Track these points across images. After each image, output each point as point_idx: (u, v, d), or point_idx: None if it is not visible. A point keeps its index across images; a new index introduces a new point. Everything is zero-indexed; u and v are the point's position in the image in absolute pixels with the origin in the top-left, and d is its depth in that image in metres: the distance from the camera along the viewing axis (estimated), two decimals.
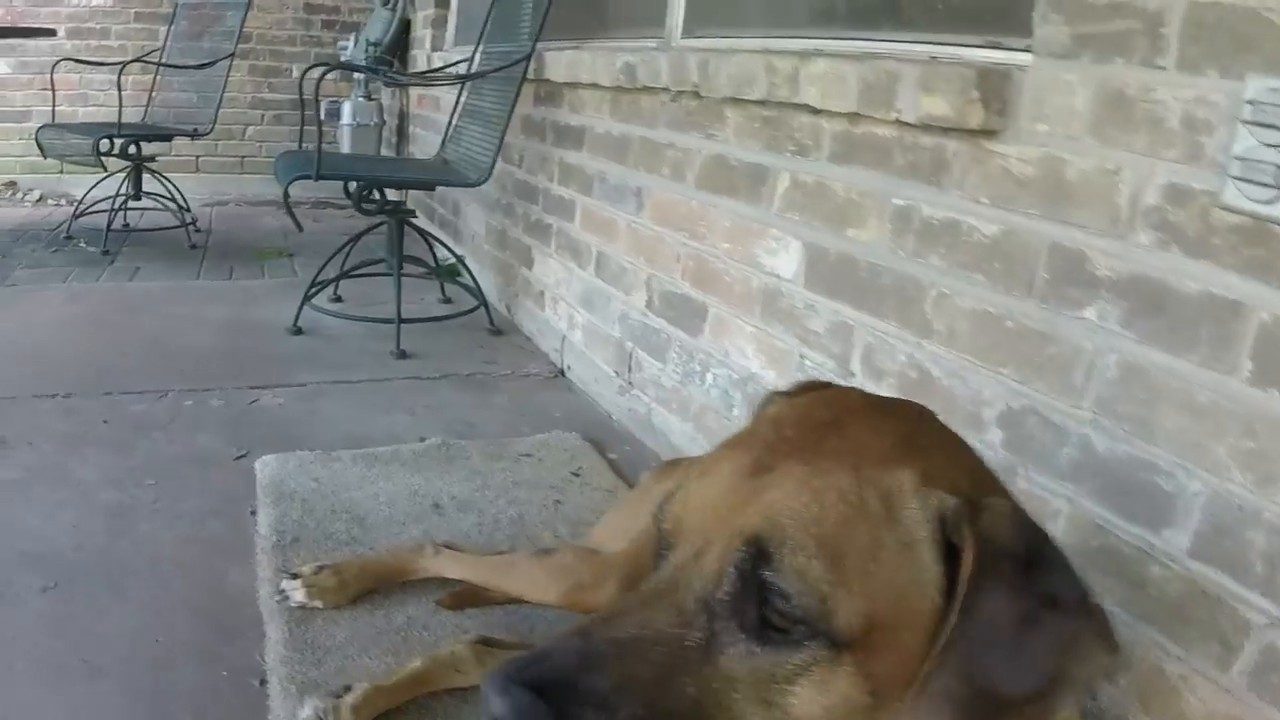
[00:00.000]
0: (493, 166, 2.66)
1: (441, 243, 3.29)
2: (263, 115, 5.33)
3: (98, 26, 5.22)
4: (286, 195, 2.78)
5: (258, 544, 1.77)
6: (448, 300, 3.39)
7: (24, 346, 2.84)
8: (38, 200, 5.03)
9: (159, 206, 4.05)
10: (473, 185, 2.83)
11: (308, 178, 2.78)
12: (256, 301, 3.27)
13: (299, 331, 2.85)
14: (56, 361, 2.71)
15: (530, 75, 2.64)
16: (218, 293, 3.40)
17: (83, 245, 3.89)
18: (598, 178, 2.41)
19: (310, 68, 2.94)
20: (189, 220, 4.01)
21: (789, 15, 2.03)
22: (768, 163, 1.70)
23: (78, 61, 4.50)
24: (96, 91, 5.23)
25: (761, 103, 1.66)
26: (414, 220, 3.08)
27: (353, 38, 5.27)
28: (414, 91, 4.84)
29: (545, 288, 2.79)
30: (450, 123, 3.21)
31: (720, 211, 1.86)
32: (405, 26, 5.09)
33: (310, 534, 1.80)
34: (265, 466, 1.97)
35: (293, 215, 2.82)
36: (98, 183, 3.97)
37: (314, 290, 2.93)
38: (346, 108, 5.03)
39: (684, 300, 2.01)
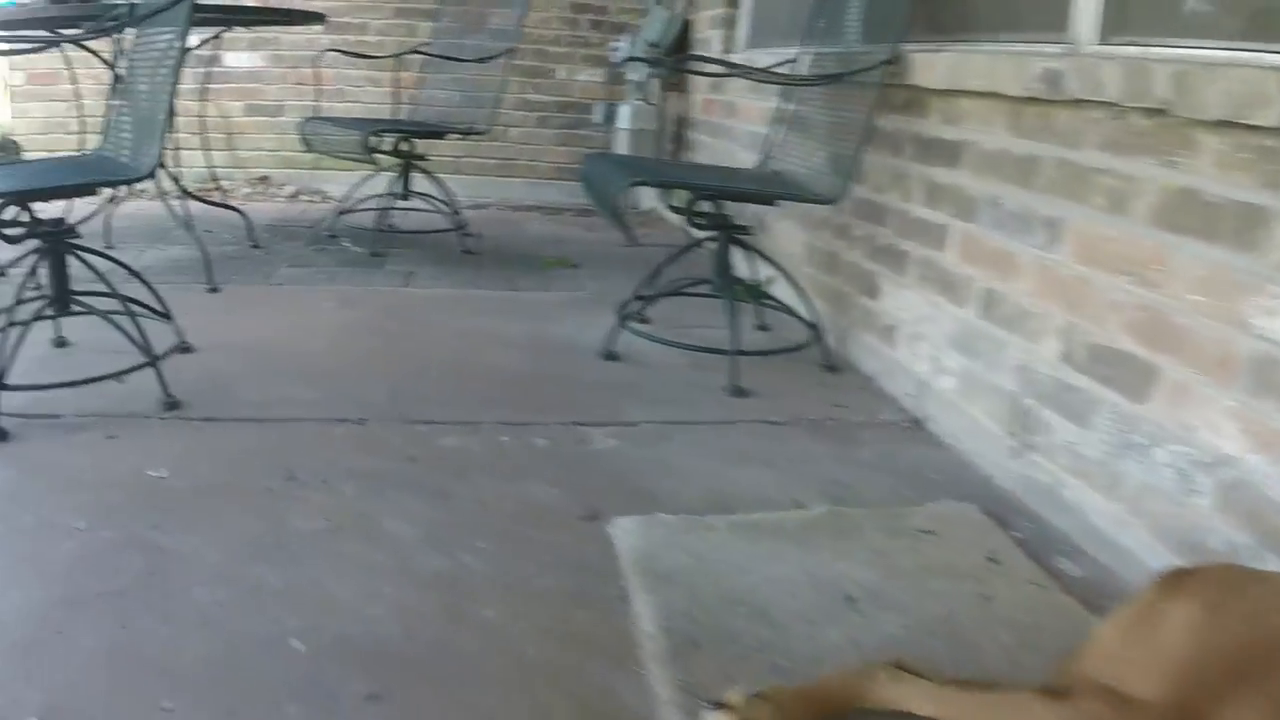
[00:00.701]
0: (849, 182, 2.58)
1: (772, 262, 2.96)
2: (526, 117, 5.32)
3: (355, 21, 5.36)
4: (614, 204, 2.54)
5: (644, 646, 1.46)
6: (764, 328, 3.12)
7: (303, 356, 2.84)
8: (292, 195, 5.21)
9: (427, 208, 3.95)
10: (824, 202, 2.63)
11: (644, 184, 2.59)
12: (551, 317, 3.19)
13: (613, 357, 2.74)
14: (342, 377, 2.66)
15: (884, 80, 2.56)
16: (505, 305, 3.35)
17: (347, 245, 3.92)
18: (986, 202, 2.24)
19: (629, 60, 2.66)
20: (461, 223, 3.99)
21: None
22: (1268, 204, 1.50)
23: (345, 54, 4.60)
24: (353, 88, 5.37)
25: (1268, 130, 1.47)
26: (747, 237, 2.84)
27: (625, 38, 5.24)
28: (697, 96, 4.93)
29: (896, 322, 2.64)
30: (773, 131, 3.15)
31: (1187, 257, 1.68)
32: (684, 27, 4.98)
33: (708, 634, 1.48)
34: (625, 534, 1.79)
35: (624, 226, 2.61)
36: (365, 180, 4.04)
37: (628, 310, 2.83)
38: (624, 111, 5.07)
39: (1122, 358, 1.83)
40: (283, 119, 5.41)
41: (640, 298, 2.83)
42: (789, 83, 3.01)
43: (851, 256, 2.90)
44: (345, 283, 3.60)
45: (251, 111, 5.44)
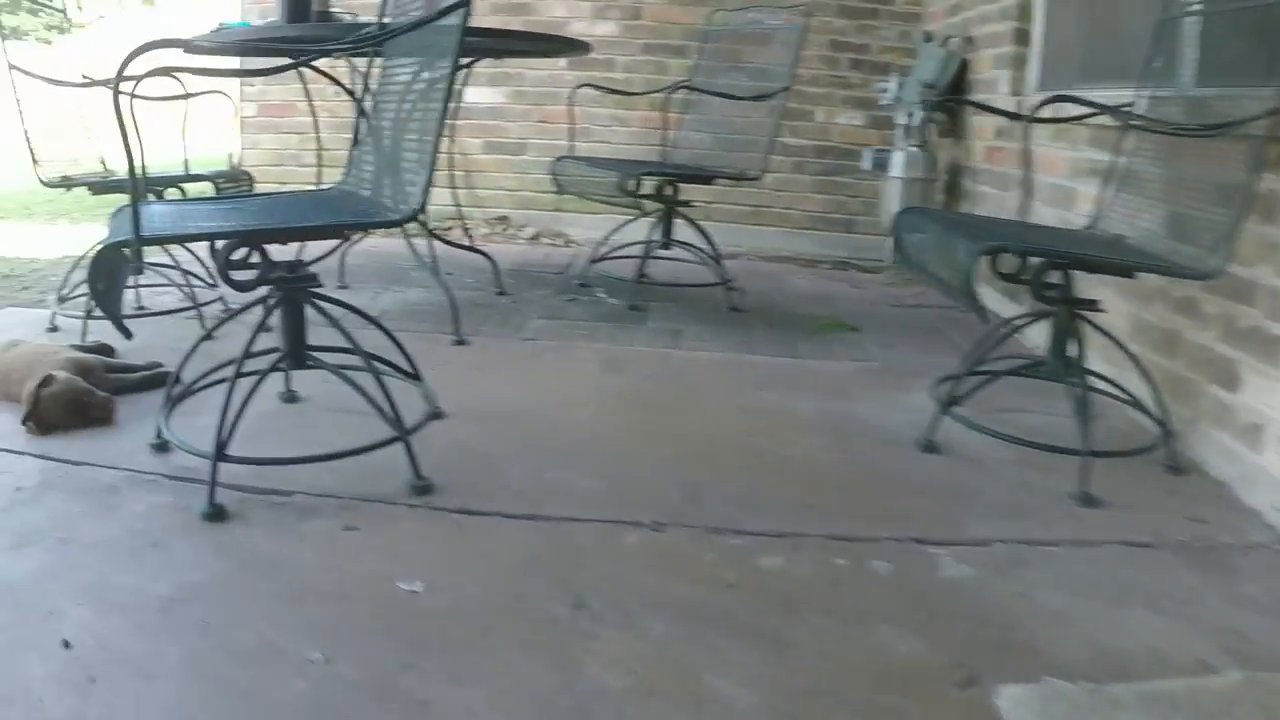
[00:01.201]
0: (1225, 256, 2.23)
1: (1119, 344, 2.58)
2: (781, 162, 5.06)
3: (600, 57, 5.15)
4: (967, 277, 2.05)
5: None
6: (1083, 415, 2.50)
7: (570, 431, 2.48)
8: (532, 238, 4.97)
9: (686, 257, 3.87)
10: (1197, 278, 2.27)
11: (1000, 250, 2.35)
12: (846, 393, 2.84)
13: (931, 448, 2.42)
14: (621, 461, 2.29)
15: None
16: (790, 375, 3.01)
17: (602, 296, 3.62)
18: None
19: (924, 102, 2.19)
20: (727, 277, 3.78)
21: None
22: None
23: (606, 90, 4.39)
24: (598, 127, 5.17)
25: None
26: (1093, 313, 2.45)
27: (893, 79, 4.90)
28: (976, 143, 4.50)
29: (1264, 421, 2.32)
30: (1103, 190, 2.80)
31: None
32: (961, 67, 4.61)
33: None
34: (1018, 708, 1.47)
35: (978, 305, 2.15)
36: (620, 226, 3.94)
37: (946, 393, 2.53)
38: (898, 158, 4.67)
39: None
40: (524, 158, 5.25)
41: (952, 377, 2.56)
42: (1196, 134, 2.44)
43: (1200, 338, 2.57)
44: (606, 340, 3.24)
45: (491, 149, 5.32)
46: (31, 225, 5.16)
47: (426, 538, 1.85)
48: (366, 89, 2.66)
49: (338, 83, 3.44)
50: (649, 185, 3.70)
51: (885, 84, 5.01)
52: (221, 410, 1.91)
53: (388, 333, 2.32)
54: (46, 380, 2.24)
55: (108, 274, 2.04)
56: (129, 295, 3.33)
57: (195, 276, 3.19)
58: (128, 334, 2.02)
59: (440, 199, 4.10)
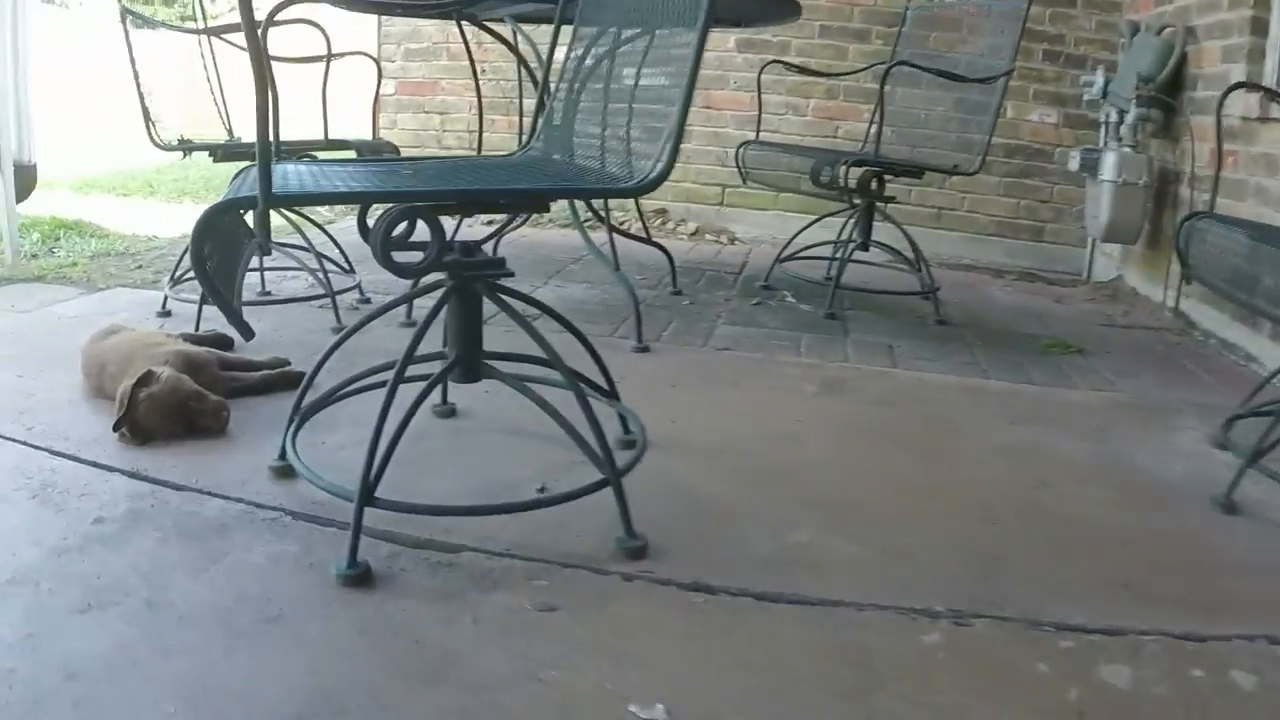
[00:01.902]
0: None
1: None
2: (968, 161, 4.33)
3: (774, 39, 4.65)
4: None
5: None
6: None
7: (803, 472, 1.94)
8: (693, 233, 4.41)
9: (873, 260, 3.46)
10: None
11: None
12: (1108, 433, 2.28)
13: (1233, 509, 1.90)
14: (883, 521, 1.74)
15: None
16: (1038, 408, 2.45)
17: (790, 300, 3.30)
18: None
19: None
20: (932, 285, 3.33)
21: None
22: None
23: (793, 68, 3.85)
24: (773, 115, 4.68)
25: None
26: None
27: (1099, 73, 4.31)
28: (1199, 145, 3.85)
29: None
30: None
31: None
32: (1181, 60, 4.00)
33: None
34: None
35: None
36: (811, 223, 3.57)
37: (1234, 435, 2.13)
38: (1109, 160, 4.01)
39: None
40: (687, 146, 4.70)
41: (1239, 417, 2.20)
42: None
43: None
44: (810, 353, 2.69)
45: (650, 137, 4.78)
46: (153, 203, 4.86)
47: (656, 629, 1.29)
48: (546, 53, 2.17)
49: (507, 42, 2.97)
50: (846, 178, 3.27)
51: (1090, 78, 4.40)
52: (373, 438, 1.38)
53: (583, 339, 1.77)
54: (146, 378, 1.77)
55: (223, 249, 1.55)
56: (250, 279, 2.89)
57: (329, 260, 2.73)
58: (246, 331, 1.51)
59: None
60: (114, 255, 3.36)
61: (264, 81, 1.25)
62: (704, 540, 1.54)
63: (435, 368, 1.61)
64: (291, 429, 1.64)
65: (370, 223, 1.42)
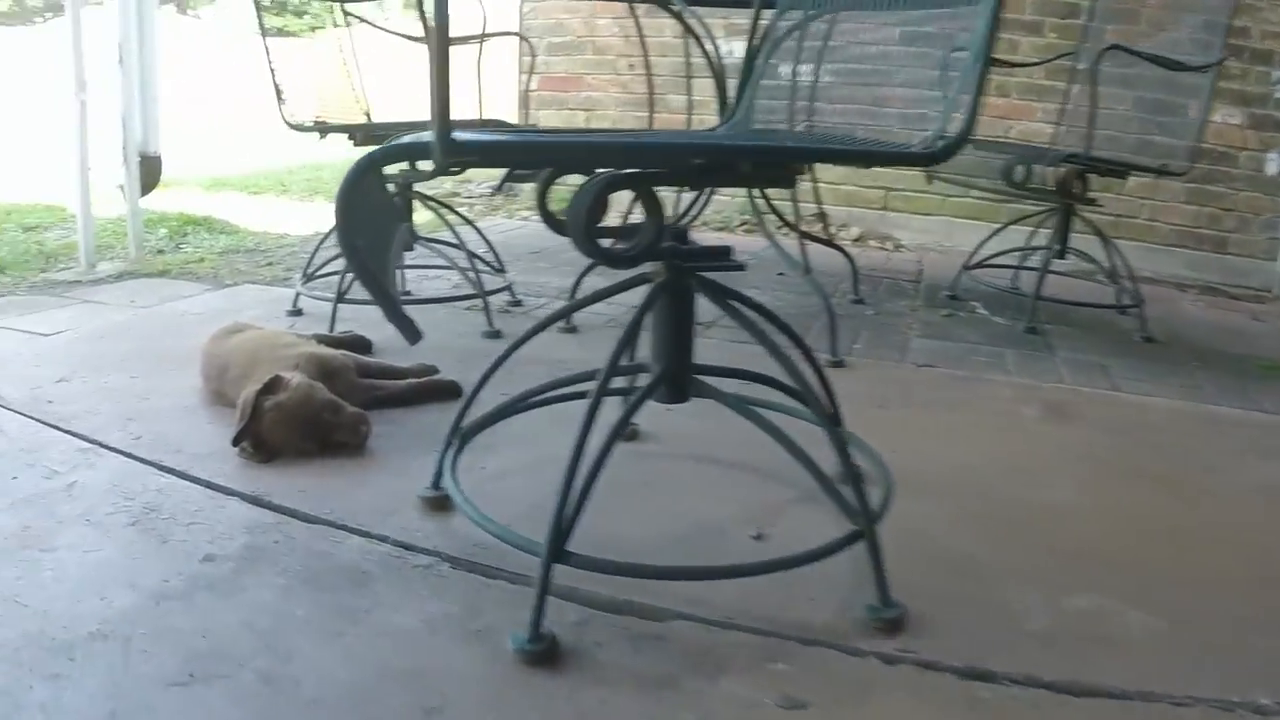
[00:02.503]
0: None
1: None
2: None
3: (938, 34, 4.17)
4: None
5: None
6: None
7: (1062, 523, 1.54)
8: (856, 239, 4.05)
9: (1059, 269, 3.06)
10: None
11: None
12: None
13: None
14: (1166, 582, 1.36)
15: None
16: (1277, 437, 2.03)
17: (981, 311, 3.01)
18: None
19: None
20: (1135, 298, 2.97)
21: None
22: None
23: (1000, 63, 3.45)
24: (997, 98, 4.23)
25: None
26: None
27: None
28: None
29: None
30: None
31: None
32: None
33: None
34: None
35: None
36: (996, 232, 3.20)
37: None
38: None
39: None
40: None
41: None
42: None
43: None
44: (1017, 372, 2.34)
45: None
46: (285, 201, 4.68)
47: None
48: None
49: (685, 22, 2.65)
50: (1041, 177, 2.93)
51: None
52: (566, 475, 1.03)
53: (807, 352, 1.39)
54: (273, 384, 1.48)
55: (369, 236, 1.24)
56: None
57: (478, 259, 2.43)
58: (410, 329, 1.19)
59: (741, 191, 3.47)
60: (243, 252, 3.15)
61: (444, 29, 0.93)
62: (966, 607, 1.17)
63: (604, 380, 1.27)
64: (450, 453, 1.30)
65: (552, 202, 1.09)
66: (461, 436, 1.30)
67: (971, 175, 3.20)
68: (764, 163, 1.16)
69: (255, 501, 1.32)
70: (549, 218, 1.15)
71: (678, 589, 1.14)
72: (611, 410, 1.23)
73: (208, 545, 1.20)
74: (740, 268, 1.26)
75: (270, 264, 2.93)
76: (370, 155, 0.97)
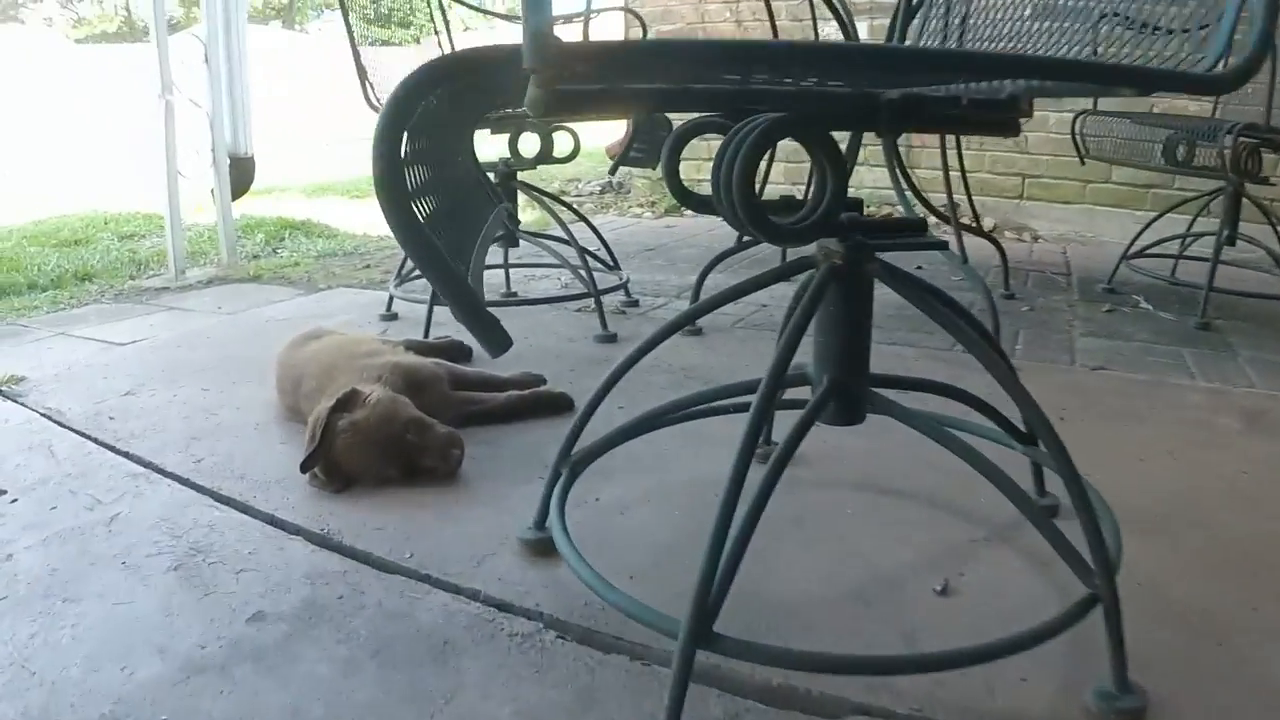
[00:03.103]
0: None
1: None
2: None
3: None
4: None
5: None
6: None
7: None
8: (990, 230, 3.67)
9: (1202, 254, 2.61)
10: None
11: None
12: None
13: None
14: None
15: None
16: None
17: (1144, 306, 2.64)
18: None
19: None
20: None
21: None
22: None
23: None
24: None
25: None
26: None
27: None
28: None
29: None
30: None
31: None
32: None
33: None
34: None
35: None
36: (1157, 217, 2.92)
37: None
38: None
39: None
40: None
41: None
42: None
43: None
44: (1206, 375, 2.00)
45: None
46: None
47: None
48: None
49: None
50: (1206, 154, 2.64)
51: None
52: (714, 535, 0.75)
53: (1004, 359, 1.09)
54: (350, 399, 1.25)
55: (455, 222, 1.02)
56: (490, 278, 2.40)
57: (592, 255, 2.19)
58: (500, 341, 0.93)
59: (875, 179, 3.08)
60: (340, 255, 2.99)
61: None
62: (1218, 686, 0.86)
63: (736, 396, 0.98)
64: (557, 487, 1.05)
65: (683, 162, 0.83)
66: (572, 467, 1.04)
67: (1134, 151, 2.85)
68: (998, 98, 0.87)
69: (322, 542, 1.09)
70: (684, 192, 0.89)
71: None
72: (721, 426, 0.95)
73: (259, 599, 0.97)
74: (941, 245, 0.97)
75: (368, 267, 2.76)
76: (429, 66, 0.71)
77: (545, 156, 2.07)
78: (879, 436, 1.31)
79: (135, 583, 1.02)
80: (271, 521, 1.15)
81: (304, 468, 1.23)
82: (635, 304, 2.20)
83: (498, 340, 0.88)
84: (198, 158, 2.72)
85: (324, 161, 5.66)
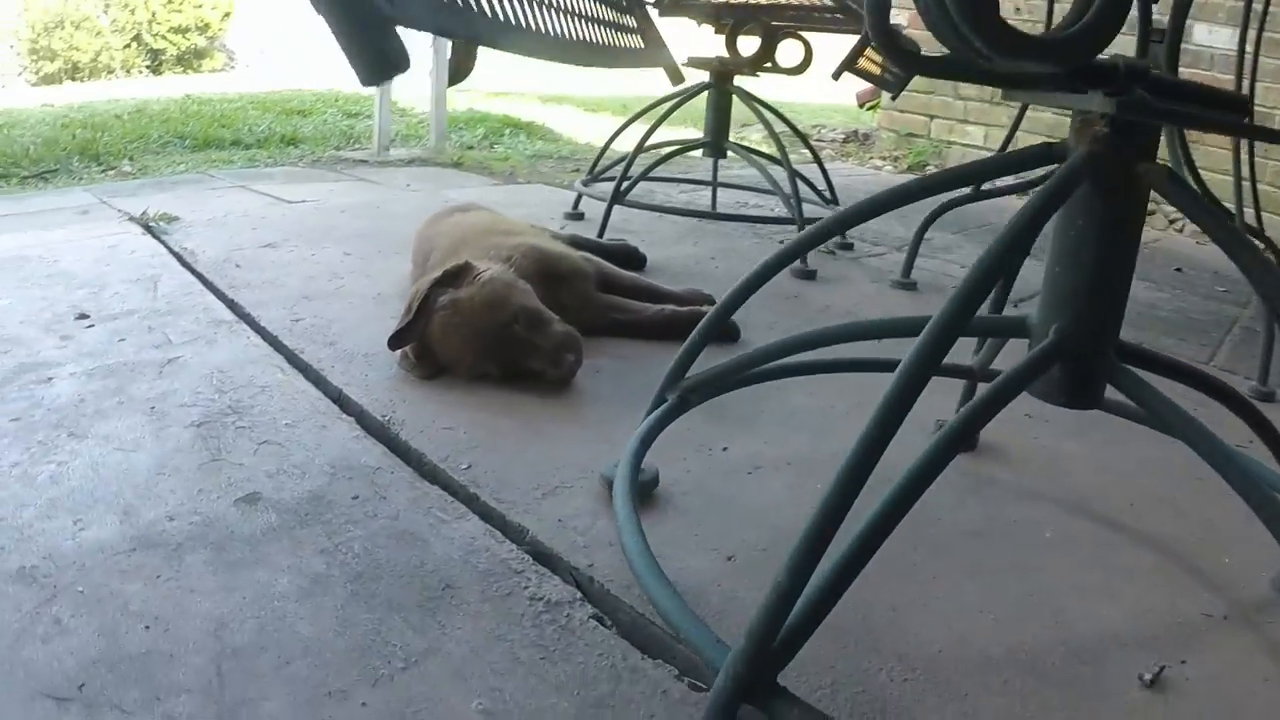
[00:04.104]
0: None
1: None
2: None
3: None
4: None
5: None
6: None
7: None
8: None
9: None
10: None
11: None
12: None
13: None
14: None
15: None
16: None
17: None
18: None
19: None
20: None
21: None
22: None
23: None
24: None
25: None
26: None
27: None
28: None
29: None
30: None
31: None
32: None
33: None
34: None
35: None
36: None
37: None
38: None
39: None
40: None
41: None
42: None
43: None
44: None
45: None
46: (619, 119, 4.41)
47: None
48: None
49: None
50: None
51: None
52: (804, 542, 0.48)
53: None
54: (455, 274, 1.05)
55: None
56: (695, 196, 2.16)
57: (807, 183, 1.90)
58: (378, 57, 0.62)
59: None
60: (554, 158, 2.83)
61: None
62: None
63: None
64: (648, 420, 0.80)
65: None
66: (681, 396, 0.78)
67: None
68: None
69: (376, 430, 0.90)
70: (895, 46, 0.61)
71: (986, 707, 0.56)
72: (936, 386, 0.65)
73: (264, 479, 0.79)
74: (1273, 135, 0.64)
75: (577, 170, 2.59)
76: None
77: (762, 60, 1.78)
78: (1110, 444, 0.98)
79: (150, 432, 0.87)
80: (336, 398, 0.97)
81: (392, 343, 1.04)
82: (849, 247, 1.89)
83: (375, 55, 0.45)
84: (420, 36, 2.64)
85: (569, 78, 5.59)
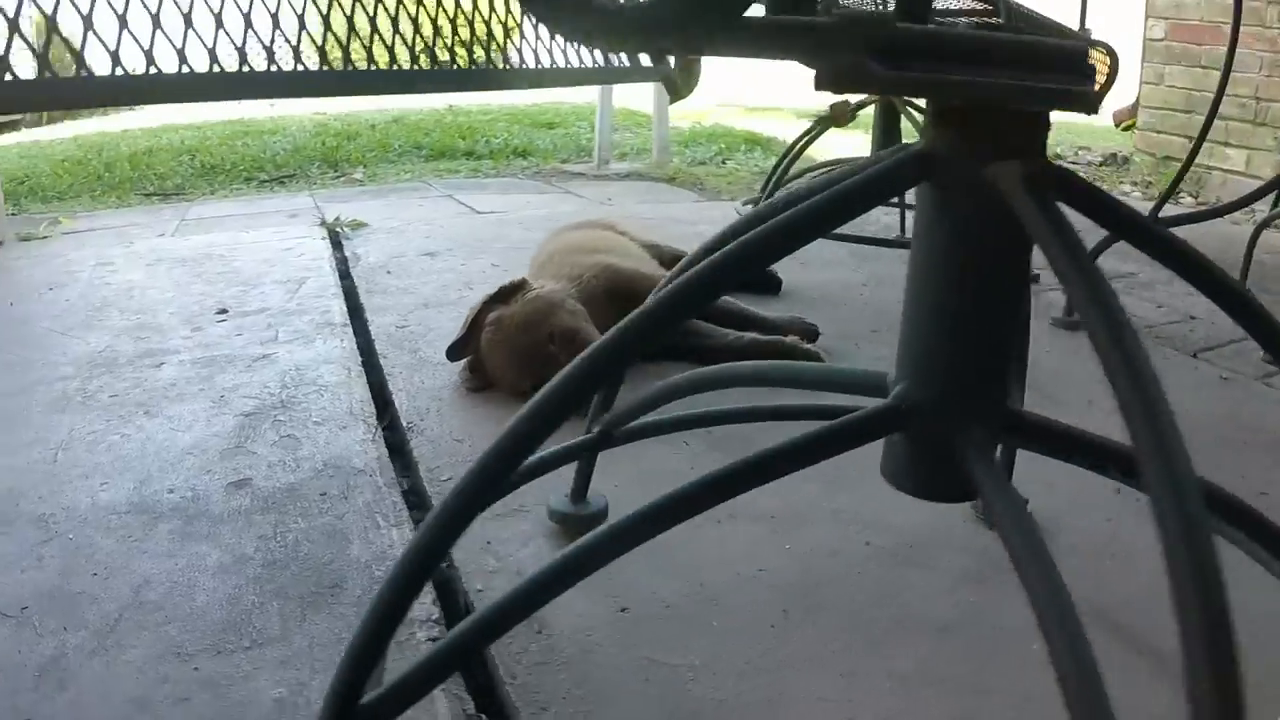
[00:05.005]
0: None
1: None
2: None
3: None
4: None
5: None
6: None
7: None
8: None
9: None
10: None
11: None
12: None
13: None
14: None
15: None
16: None
17: None
18: None
19: None
20: None
21: None
22: None
23: None
24: None
25: None
26: None
27: None
28: None
29: None
30: None
31: None
32: None
33: None
34: None
35: None
36: None
37: None
38: None
39: None
40: None
41: None
42: None
43: None
44: None
45: None
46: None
47: None
48: None
49: None
50: None
51: None
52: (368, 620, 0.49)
53: None
54: (512, 290, 1.12)
55: None
56: (885, 217, 2.11)
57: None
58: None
59: None
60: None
61: None
62: None
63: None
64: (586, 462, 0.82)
65: None
66: (602, 431, 0.80)
67: None
68: None
69: (392, 435, 1.00)
70: None
71: None
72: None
73: (262, 469, 0.91)
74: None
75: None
76: None
77: None
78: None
79: (205, 417, 1.02)
80: (381, 400, 1.08)
81: (450, 355, 1.14)
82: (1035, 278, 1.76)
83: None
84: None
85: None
